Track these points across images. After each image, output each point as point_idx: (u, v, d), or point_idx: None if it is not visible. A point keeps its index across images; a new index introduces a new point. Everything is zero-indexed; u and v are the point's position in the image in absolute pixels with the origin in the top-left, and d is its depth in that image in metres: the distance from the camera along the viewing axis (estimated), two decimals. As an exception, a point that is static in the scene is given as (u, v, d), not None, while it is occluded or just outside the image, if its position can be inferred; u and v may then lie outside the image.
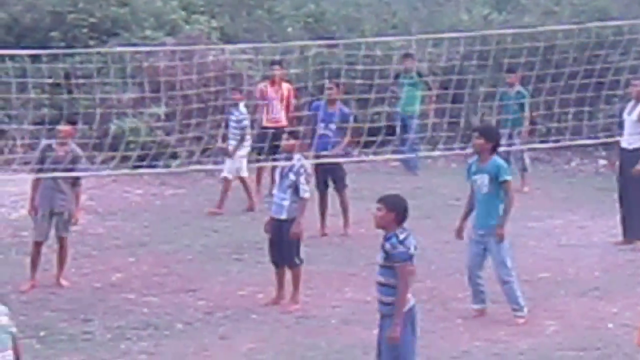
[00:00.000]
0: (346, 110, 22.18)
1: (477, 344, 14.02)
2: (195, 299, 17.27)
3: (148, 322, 16.23)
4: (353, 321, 16.21)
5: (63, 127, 18.52)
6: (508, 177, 15.86)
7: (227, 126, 22.99)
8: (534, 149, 22.49)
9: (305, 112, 23.67)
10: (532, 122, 22.30)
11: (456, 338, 13.27)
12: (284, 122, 22.62)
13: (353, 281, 18.23)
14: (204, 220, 21.98)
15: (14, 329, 8.97)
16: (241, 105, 23.29)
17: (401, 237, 11.25)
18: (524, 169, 23.20)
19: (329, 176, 21.15)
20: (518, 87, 23.83)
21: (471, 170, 16.15)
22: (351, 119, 21.98)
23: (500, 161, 15.96)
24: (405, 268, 11.12)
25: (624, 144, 19.80)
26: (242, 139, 23.02)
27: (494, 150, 15.79)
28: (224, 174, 22.95)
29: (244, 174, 22.98)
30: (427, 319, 15.24)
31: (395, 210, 11.54)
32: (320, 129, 21.47)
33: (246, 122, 23.20)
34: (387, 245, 11.28)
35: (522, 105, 23.52)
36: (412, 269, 11.43)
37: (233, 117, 23.06)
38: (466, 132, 22.80)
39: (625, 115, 19.77)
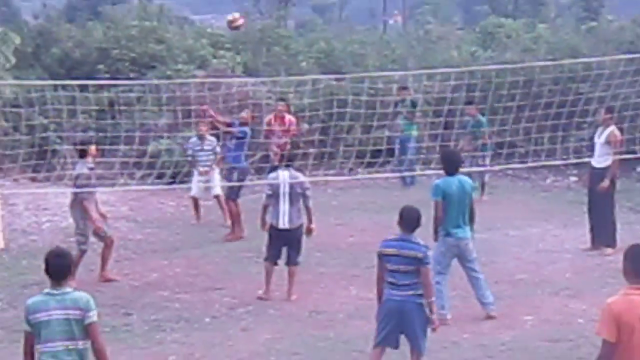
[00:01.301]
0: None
1: (465, 336, 14.05)
2: (220, 296, 17.36)
3: (180, 316, 16.30)
4: (357, 316, 16.23)
5: (93, 148, 18.64)
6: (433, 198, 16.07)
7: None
8: (515, 168, 22.47)
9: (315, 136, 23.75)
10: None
11: (446, 331, 13.25)
12: (287, 147, 22.68)
13: (357, 281, 18.24)
14: (228, 229, 22.00)
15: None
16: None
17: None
18: (482, 184, 23.18)
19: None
20: (477, 116, 23.82)
21: (436, 184, 16.33)
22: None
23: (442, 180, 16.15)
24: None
25: (594, 163, 19.90)
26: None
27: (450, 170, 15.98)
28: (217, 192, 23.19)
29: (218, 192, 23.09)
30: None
31: None
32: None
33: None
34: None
35: (480, 132, 23.60)
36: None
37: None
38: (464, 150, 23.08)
39: (595, 139, 19.79)
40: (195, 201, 23.36)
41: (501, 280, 16.12)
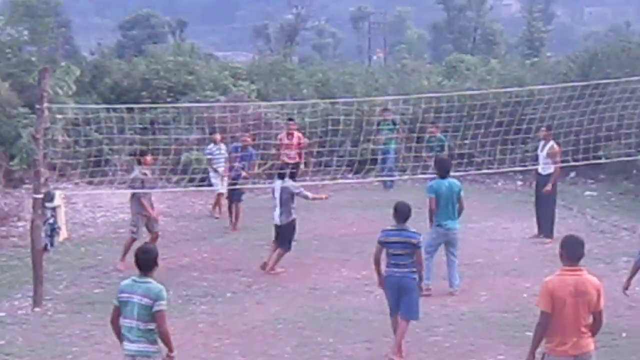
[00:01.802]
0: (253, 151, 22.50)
1: (432, 307, 14.02)
2: (239, 276, 17.36)
3: (207, 292, 16.27)
4: (347, 292, 16.36)
5: (149, 157, 18.79)
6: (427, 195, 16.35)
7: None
8: (472, 174, 22.43)
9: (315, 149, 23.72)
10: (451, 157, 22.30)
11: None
12: (296, 159, 22.60)
13: (347, 264, 18.24)
14: (245, 222, 21.95)
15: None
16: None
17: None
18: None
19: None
20: (438, 134, 23.78)
21: (430, 185, 16.50)
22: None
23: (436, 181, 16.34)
24: None
25: (539, 171, 19.95)
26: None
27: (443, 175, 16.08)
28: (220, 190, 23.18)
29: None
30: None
31: None
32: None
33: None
34: None
35: (442, 147, 23.54)
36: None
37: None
38: (426, 163, 23.00)
39: (538, 152, 19.86)
40: (219, 198, 23.21)
41: (461, 263, 16.06)
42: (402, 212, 12.80)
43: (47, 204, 17.86)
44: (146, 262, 9.42)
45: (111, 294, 16.51)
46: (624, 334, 13.28)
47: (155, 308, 9.13)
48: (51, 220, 19.10)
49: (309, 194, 18.23)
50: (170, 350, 9.25)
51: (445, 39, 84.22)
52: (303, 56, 65.09)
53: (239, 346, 13.18)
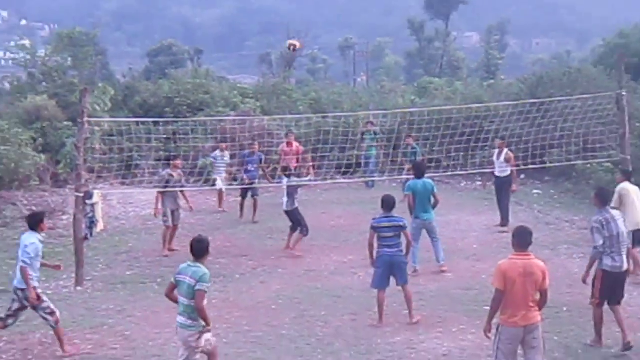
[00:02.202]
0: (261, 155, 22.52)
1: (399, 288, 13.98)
2: (246, 260, 17.39)
3: (219, 273, 16.19)
4: (336, 273, 16.42)
5: (178, 162, 18.93)
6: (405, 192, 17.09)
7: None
8: (439, 176, 22.42)
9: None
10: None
11: (393, 282, 13.20)
12: (295, 165, 22.56)
13: (336, 250, 18.25)
14: (250, 216, 21.94)
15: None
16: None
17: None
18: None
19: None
20: (412, 144, 23.72)
21: (408, 184, 16.90)
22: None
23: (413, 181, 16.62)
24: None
25: (497, 174, 20.08)
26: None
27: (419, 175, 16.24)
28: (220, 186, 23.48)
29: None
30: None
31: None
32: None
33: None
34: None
35: (415, 154, 23.47)
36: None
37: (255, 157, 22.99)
38: (402, 167, 22.98)
39: (494, 158, 19.99)
40: (221, 194, 23.32)
41: (431, 249, 16.09)
42: (388, 203, 13.37)
43: (87, 201, 17.85)
44: (199, 250, 9.64)
45: (140, 275, 16.64)
46: (565, 308, 13.39)
47: (196, 287, 9.24)
48: (90, 215, 19.12)
49: (304, 181, 19.04)
50: (207, 324, 9.38)
51: (417, 65, 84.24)
52: (299, 79, 64.97)
53: (246, 318, 13.20)
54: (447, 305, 13.75)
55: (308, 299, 14.43)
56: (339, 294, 14.76)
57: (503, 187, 20.11)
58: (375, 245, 13.11)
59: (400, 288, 13.13)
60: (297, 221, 18.11)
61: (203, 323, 9.38)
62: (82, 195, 16.41)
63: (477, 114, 24.66)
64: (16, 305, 11.52)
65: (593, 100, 21.42)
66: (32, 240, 11.40)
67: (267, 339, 11.94)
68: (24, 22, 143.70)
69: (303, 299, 14.43)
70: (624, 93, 17.69)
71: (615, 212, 11.57)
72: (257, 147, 22.72)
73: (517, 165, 20.37)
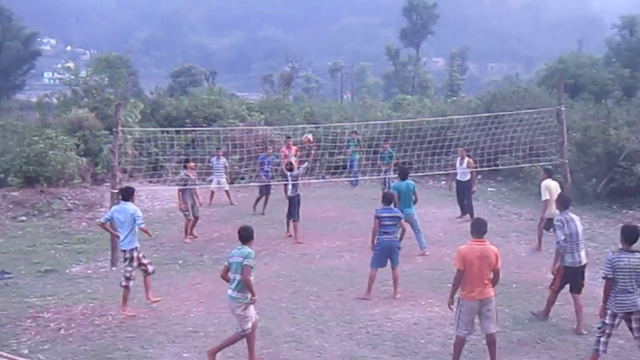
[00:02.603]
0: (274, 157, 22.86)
1: (380, 269, 13.93)
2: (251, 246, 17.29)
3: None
4: (327, 256, 16.35)
5: (193, 164, 18.86)
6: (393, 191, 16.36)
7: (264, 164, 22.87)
8: (411, 176, 22.44)
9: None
10: (397, 165, 22.10)
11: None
12: (295, 164, 22.41)
13: (326, 237, 18.20)
14: (260, 208, 21.91)
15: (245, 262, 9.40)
16: (270, 155, 23.26)
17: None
18: (388, 187, 22.72)
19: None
20: (389, 149, 23.69)
21: (394, 184, 16.97)
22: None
23: (397, 182, 16.62)
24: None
25: (458, 178, 20.10)
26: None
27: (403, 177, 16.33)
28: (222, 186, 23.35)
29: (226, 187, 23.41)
30: (367, 256, 15.13)
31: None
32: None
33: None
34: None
35: (390, 157, 23.45)
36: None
37: (267, 160, 22.98)
38: (379, 169, 22.99)
39: (457, 165, 19.93)
40: (212, 193, 23.13)
41: (405, 237, 16.02)
42: (387, 198, 13.57)
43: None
44: (245, 235, 9.72)
45: (164, 257, 16.61)
46: (514, 285, 13.40)
47: (244, 263, 9.35)
48: (123, 207, 19.10)
49: (302, 170, 18.78)
50: (253, 294, 9.41)
51: (393, 85, 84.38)
52: (296, 96, 64.93)
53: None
54: (417, 283, 13.74)
55: (302, 278, 14.41)
56: (328, 273, 14.75)
57: (465, 189, 20.10)
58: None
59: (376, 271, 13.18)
60: (294, 207, 18.13)
61: (249, 296, 9.38)
62: (116, 191, 16.37)
63: (442, 125, 24.70)
64: (133, 265, 12.44)
65: (537, 114, 21.43)
66: (134, 207, 12.53)
67: (268, 311, 11.93)
68: (69, 48, 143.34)
69: (298, 278, 14.40)
70: (562, 108, 17.70)
71: (573, 215, 11.34)
72: (271, 151, 23.01)
73: (475, 168, 20.40)
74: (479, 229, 9.44)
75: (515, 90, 33.95)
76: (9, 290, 13.47)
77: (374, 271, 13.05)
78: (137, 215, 12.36)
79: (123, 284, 12.18)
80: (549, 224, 15.57)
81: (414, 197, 16.42)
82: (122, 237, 12.42)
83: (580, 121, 24.51)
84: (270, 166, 22.36)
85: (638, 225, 9.79)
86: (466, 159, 19.87)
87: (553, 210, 15.13)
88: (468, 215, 19.70)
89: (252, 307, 9.51)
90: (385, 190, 20.47)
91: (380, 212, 13.10)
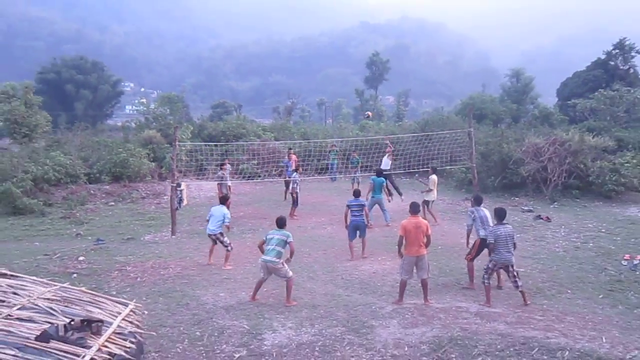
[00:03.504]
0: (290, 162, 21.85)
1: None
2: (265, 221, 17.07)
3: (251, 228, 16.17)
4: (315, 228, 16.24)
5: (225, 167, 18.76)
6: (370, 181, 16.44)
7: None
8: (370, 175, 22.41)
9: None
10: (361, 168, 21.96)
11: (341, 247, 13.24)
12: (294, 167, 22.25)
13: (314, 215, 18.13)
14: (270, 196, 21.83)
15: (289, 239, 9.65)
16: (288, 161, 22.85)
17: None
18: (357, 182, 22.54)
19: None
20: (356, 157, 23.50)
21: (372, 178, 16.56)
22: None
23: (373, 177, 16.48)
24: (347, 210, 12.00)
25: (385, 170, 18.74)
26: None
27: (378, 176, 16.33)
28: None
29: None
30: (343, 228, 15.11)
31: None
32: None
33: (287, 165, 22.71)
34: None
35: (357, 163, 23.19)
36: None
37: (282, 164, 22.79)
38: (350, 170, 22.86)
39: (382, 162, 18.74)
40: (229, 187, 22.16)
41: (381, 215, 16.01)
42: (356, 193, 13.33)
43: (178, 188, 17.70)
44: (281, 222, 9.99)
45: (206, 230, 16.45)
46: (439, 247, 13.40)
47: (288, 240, 9.63)
48: (180, 195, 18.93)
49: (297, 180, 18.29)
50: (292, 257, 9.80)
51: (360, 114, 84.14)
52: (295, 121, 64.53)
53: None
54: (375, 246, 13.68)
55: (299, 242, 14.22)
56: (316, 239, 14.71)
57: (389, 177, 19.31)
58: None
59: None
60: (295, 198, 18.04)
61: (282, 260, 9.56)
62: (175, 185, 16.33)
63: (393, 141, 24.61)
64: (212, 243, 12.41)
65: (455, 134, 21.51)
66: (225, 210, 12.37)
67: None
68: (142, 89, 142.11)
69: (296, 242, 14.12)
70: (471, 130, 17.79)
71: (483, 208, 10.93)
72: (294, 157, 22.36)
73: (413, 168, 20.35)
74: (414, 209, 9.64)
75: (441, 118, 34.07)
76: (102, 252, 13.44)
77: (350, 242, 12.95)
78: (227, 216, 12.35)
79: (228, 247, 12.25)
80: (427, 203, 16.60)
81: (384, 189, 16.65)
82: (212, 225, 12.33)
83: (483, 139, 24.58)
84: (290, 168, 21.68)
85: (504, 207, 10.06)
86: (432, 176, 17.42)
87: (434, 194, 16.67)
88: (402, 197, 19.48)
89: (287, 265, 9.71)
90: (355, 186, 20.34)
91: (350, 202, 13.06)
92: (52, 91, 66.40)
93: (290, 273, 9.59)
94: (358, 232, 13.02)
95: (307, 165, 23.77)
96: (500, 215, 9.59)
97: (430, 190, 16.82)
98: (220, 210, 12.42)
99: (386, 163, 19.55)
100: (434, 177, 16.87)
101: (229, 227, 12.74)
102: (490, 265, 9.48)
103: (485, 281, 9.50)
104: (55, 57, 76.00)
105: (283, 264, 9.57)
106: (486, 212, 10.91)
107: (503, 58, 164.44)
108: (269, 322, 8.53)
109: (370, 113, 19.14)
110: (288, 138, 31.07)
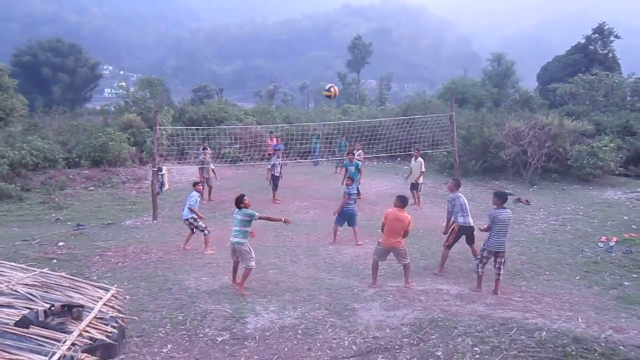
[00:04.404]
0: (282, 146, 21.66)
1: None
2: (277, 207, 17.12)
3: (233, 213, 16.07)
4: (298, 212, 16.22)
5: (206, 150, 18.62)
6: (347, 167, 16.64)
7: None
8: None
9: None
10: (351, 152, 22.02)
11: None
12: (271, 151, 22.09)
13: (298, 199, 18.16)
14: (252, 180, 21.75)
15: None
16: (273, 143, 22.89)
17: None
18: (342, 166, 22.72)
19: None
20: (344, 141, 23.58)
21: (346, 163, 16.88)
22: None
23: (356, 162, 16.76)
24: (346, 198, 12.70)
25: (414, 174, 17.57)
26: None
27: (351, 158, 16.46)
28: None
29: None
30: (325, 212, 15.13)
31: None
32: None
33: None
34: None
35: (345, 146, 23.16)
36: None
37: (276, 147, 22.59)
38: (335, 152, 22.86)
39: (412, 163, 17.37)
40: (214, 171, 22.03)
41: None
42: (349, 178, 13.33)
43: (159, 173, 17.58)
44: (237, 202, 9.45)
45: (189, 214, 16.41)
46: (421, 230, 13.50)
47: (254, 218, 9.32)
48: (161, 180, 18.86)
49: (278, 166, 18.10)
50: (276, 220, 9.68)
51: (342, 98, 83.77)
52: (277, 105, 64.18)
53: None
54: (359, 230, 13.71)
55: (282, 226, 14.22)
56: (298, 223, 14.65)
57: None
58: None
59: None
60: (276, 181, 17.96)
61: (247, 242, 9.32)
62: (156, 169, 16.18)
63: (375, 125, 24.63)
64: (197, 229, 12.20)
65: (437, 118, 21.59)
66: (193, 194, 12.32)
67: (258, 249, 11.86)
68: (121, 72, 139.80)
69: (279, 226, 14.21)
70: (453, 114, 17.86)
71: (460, 194, 10.74)
72: (280, 140, 22.56)
73: (395, 152, 20.43)
74: (400, 202, 9.45)
75: (423, 102, 34.14)
76: (83, 237, 13.31)
77: (335, 227, 12.89)
78: (191, 200, 12.25)
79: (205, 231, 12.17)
80: (417, 187, 16.93)
81: (359, 171, 16.80)
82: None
83: (465, 123, 24.76)
84: (282, 151, 21.14)
85: (506, 191, 10.01)
86: (419, 159, 17.41)
87: (416, 176, 16.99)
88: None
89: (253, 252, 9.38)
90: (338, 171, 20.27)
91: (350, 190, 12.78)
92: (28, 74, 65.05)
93: (252, 263, 9.27)
94: (347, 221, 12.83)
95: (289, 149, 23.74)
96: (502, 198, 9.17)
97: (423, 172, 17.04)
98: (190, 195, 12.34)
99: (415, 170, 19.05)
100: (421, 159, 17.12)
101: (200, 215, 12.38)
102: (485, 254, 9.22)
103: (480, 271, 9.28)
104: (31, 39, 74.50)
105: (250, 250, 9.32)
106: (463, 198, 10.78)
107: (485, 42, 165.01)
108: (251, 305, 8.55)
109: (333, 90, 15.33)
110: (270, 122, 30.94)
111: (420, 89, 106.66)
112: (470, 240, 10.80)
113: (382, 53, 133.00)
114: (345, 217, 12.84)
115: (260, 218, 9.41)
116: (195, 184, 12.80)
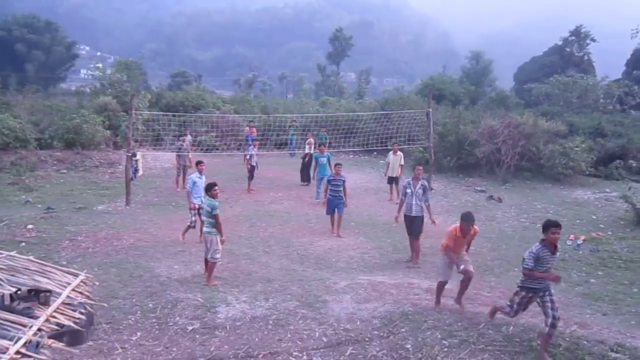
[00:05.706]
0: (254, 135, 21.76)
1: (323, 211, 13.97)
2: (222, 195, 16.86)
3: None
4: (272, 203, 16.22)
5: (184, 138, 18.40)
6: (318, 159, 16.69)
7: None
8: (332, 151, 22.45)
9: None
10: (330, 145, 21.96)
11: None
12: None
13: (272, 190, 18.13)
14: (227, 169, 21.53)
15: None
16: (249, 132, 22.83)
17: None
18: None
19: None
20: (324, 133, 23.55)
21: (317, 155, 16.94)
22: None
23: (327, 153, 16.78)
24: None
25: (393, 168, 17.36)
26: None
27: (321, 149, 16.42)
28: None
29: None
30: (299, 203, 15.12)
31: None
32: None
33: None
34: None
35: (326, 139, 23.10)
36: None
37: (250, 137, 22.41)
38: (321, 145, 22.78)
39: (390, 157, 17.08)
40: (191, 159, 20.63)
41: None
42: (337, 166, 13.26)
43: (133, 158, 17.31)
44: (206, 189, 9.41)
45: (162, 201, 16.31)
46: (394, 225, 13.58)
47: (213, 212, 9.09)
48: (135, 166, 18.57)
49: (254, 154, 17.97)
50: (221, 233, 9.20)
51: (321, 89, 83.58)
52: (256, 94, 63.60)
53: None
54: (348, 223, 13.73)
55: (256, 216, 14.36)
56: (272, 214, 14.70)
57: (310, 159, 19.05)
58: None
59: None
60: (252, 171, 17.85)
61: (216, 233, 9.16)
62: (130, 154, 15.96)
63: (353, 119, 24.64)
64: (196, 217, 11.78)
65: (414, 114, 21.73)
66: (192, 175, 12.17)
67: (232, 238, 11.82)
68: (98, 53, 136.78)
69: (253, 216, 14.34)
70: (430, 110, 18.00)
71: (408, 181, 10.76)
72: (255, 130, 22.42)
73: (372, 146, 20.48)
74: (468, 219, 7.70)
75: (401, 97, 34.21)
76: (53, 221, 13.05)
77: (331, 217, 13.00)
78: (189, 180, 12.26)
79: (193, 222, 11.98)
80: (396, 180, 16.76)
81: (329, 164, 16.65)
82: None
83: (441, 119, 24.96)
84: (253, 140, 21.18)
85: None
86: (399, 153, 17.34)
87: (395, 171, 16.91)
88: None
89: (220, 245, 9.21)
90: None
91: (331, 177, 13.06)
92: (1, 50, 63.36)
93: (217, 256, 9.12)
94: (336, 208, 12.87)
95: (265, 139, 23.62)
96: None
97: (402, 166, 17.11)
98: (193, 177, 12.19)
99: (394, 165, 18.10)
100: (401, 153, 17.27)
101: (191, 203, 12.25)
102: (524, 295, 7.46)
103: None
104: (5, 13, 72.48)
105: (217, 243, 9.13)
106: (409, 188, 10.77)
107: (464, 40, 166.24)
108: (223, 295, 8.51)
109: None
110: (248, 112, 30.71)
111: (399, 83, 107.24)
112: (415, 234, 10.87)
113: (363, 46, 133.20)
114: (333, 205, 12.88)
115: (216, 216, 9.12)
116: (198, 163, 12.46)
